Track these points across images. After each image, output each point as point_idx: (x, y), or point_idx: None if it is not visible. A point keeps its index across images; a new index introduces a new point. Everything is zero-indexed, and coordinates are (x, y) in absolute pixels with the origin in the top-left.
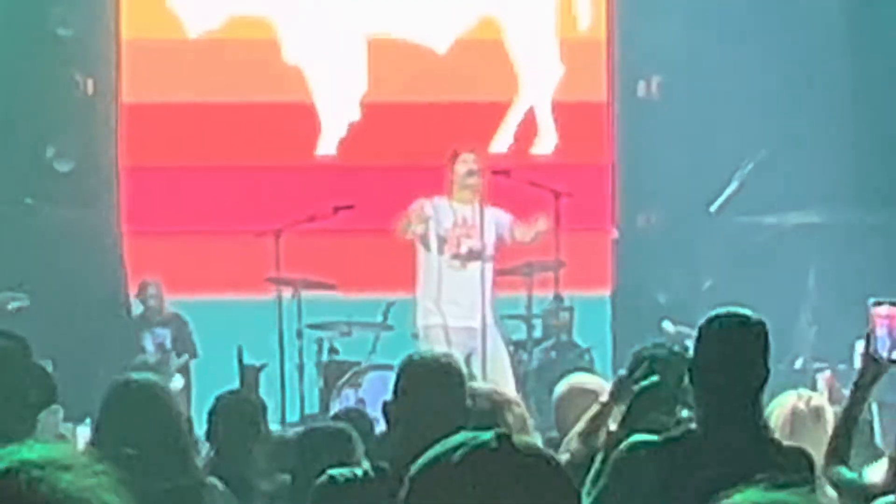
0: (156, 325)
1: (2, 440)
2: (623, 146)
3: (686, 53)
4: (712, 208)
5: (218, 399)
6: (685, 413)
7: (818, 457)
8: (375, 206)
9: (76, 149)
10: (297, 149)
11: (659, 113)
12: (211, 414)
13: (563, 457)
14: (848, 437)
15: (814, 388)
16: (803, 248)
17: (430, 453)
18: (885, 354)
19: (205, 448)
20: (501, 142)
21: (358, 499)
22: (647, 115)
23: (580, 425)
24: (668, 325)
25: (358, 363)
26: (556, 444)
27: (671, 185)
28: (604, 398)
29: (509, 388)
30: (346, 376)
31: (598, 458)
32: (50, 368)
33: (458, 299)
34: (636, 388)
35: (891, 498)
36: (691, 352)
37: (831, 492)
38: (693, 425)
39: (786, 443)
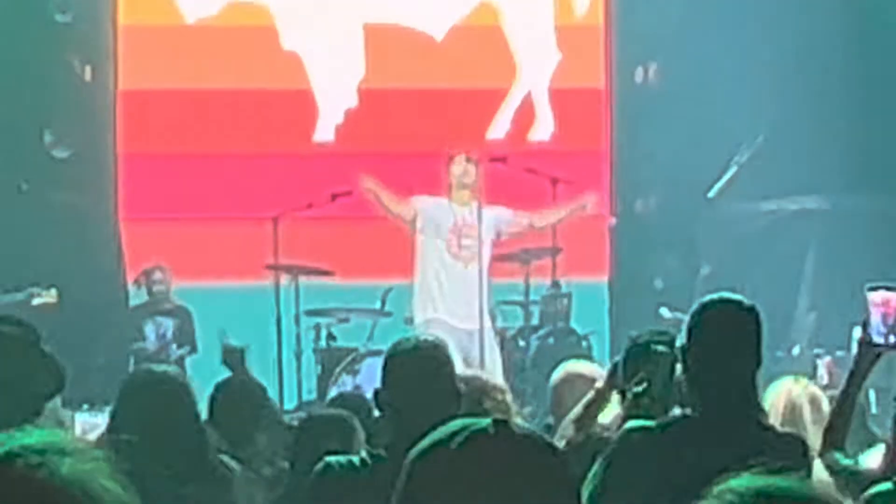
0: (160, 313)
1: (9, 428)
2: (620, 132)
3: (683, 39)
4: (710, 194)
5: (218, 385)
6: (677, 411)
7: (815, 442)
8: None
9: (74, 135)
10: (294, 135)
11: (656, 99)
12: (212, 400)
13: (559, 443)
14: (844, 423)
15: (814, 374)
16: (801, 234)
17: (428, 440)
18: (880, 340)
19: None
20: (498, 128)
21: (356, 486)
22: (644, 101)
23: (575, 412)
24: (665, 312)
25: (356, 349)
26: (552, 431)
27: (669, 172)
28: (599, 385)
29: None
30: (344, 362)
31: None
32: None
33: (457, 299)
34: (629, 395)
35: (888, 484)
36: (681, 340)
37: (827, 477)
38: (688, 411)
39: (780, 428)
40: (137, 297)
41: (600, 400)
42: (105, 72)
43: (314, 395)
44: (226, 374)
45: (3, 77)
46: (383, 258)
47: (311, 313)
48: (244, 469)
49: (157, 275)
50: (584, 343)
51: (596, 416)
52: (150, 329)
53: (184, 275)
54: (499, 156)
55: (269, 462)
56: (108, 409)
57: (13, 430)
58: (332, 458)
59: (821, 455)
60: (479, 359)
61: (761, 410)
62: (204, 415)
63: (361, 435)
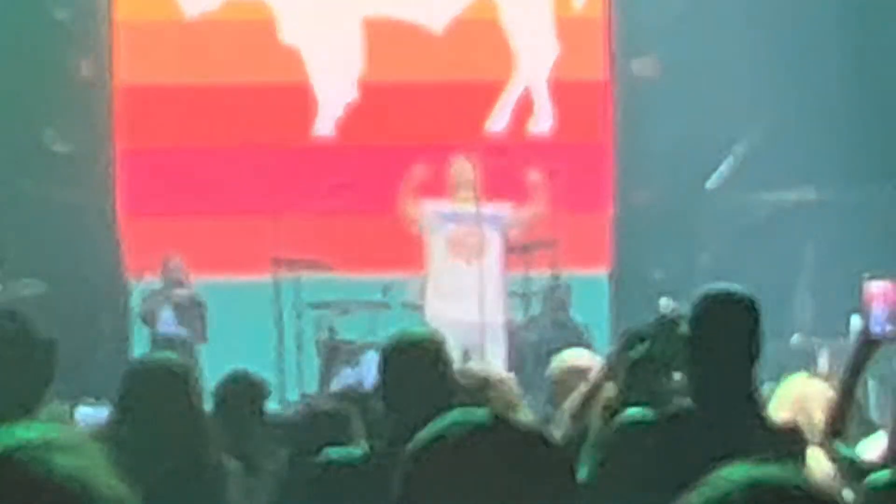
0: (175, 299)
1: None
2: (620, 124)
3: (682, 31)
4: (709, 185)
5: (221, 379)
6: (677, 377)
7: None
8: (373, 186)
9: (73, 131)
10: (294, 129)
11: (655, 91)
12: (215, 393)
13: (556, 434)
14: (844, 412)
15: (815, 363)
16: (800, 225)
17: (425, 432)
18: (879, 330)
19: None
20: (498, 121)
21: (356, 479)
22: (643, 93)
23: (571, 403)
24: (665, 303)
25: (356, 342)
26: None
27: (668, 163)
28: (594, 376)
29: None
30: (345, 355)
31: (593, 429)
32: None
33: (459, 296)
34: (631, 356)
35: (888, 472)
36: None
37: (828, 467)
38: (687, 401)
39: (778, 418)
40: (154, 284)
41: (596, 391)
42: (103, 68)
43: (315, 388)
44: (227, 365)
45: (3, 74)
46: (383, 251)
47: (312, 306)
48: (246, 464)
49: (173, 263)
50: (584, 334)
51: (592, 408)
52: (164, 314)
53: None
54: (498, 149)
55: (271, 456)
56: (108, 403)
57: (11, 425)
58: (333, 451)
59: (821, 445)
60: (481, 353)
61: (759, 400)
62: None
63: (359, 428)
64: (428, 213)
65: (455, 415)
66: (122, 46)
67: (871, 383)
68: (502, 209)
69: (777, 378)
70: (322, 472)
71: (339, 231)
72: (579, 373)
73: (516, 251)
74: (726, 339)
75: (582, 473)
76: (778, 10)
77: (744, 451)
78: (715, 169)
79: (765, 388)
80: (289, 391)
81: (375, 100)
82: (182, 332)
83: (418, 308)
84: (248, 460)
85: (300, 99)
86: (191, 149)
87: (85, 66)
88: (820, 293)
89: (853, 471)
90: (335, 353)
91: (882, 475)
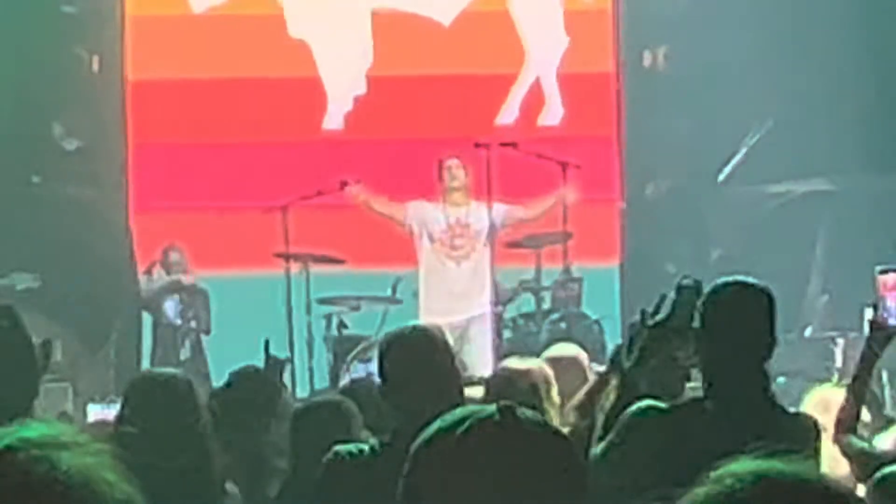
0: (178, 291)
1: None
2: (629, 117)
3: (692, 23)
4: (720, 178)
5: (232, 375)
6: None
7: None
8: (383, 179)
9: (83, 127)
10: (303, 123)
11: (665, 83)
12: (226, 388)
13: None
14: (857, 405)
15: (830, 357)
16: (812, 217)
17: (433, 427)
18: (892, 322)
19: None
20: (508, 114)
21: (365, 474)
22: (653, 85)
23: (578, 398)
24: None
25: (367, 337)
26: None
27: (678, 155)
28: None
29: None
30: (356, 351)
31: (607, 404)
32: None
33: (448, 297)
34: (650, 322)
35: None
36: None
37: (842, 460)
38: (700, 392)
39: (792, 409)
40: (158, 277)
41: (603, 385)
42: (113, 63)
43: (326, 384)
44: (237, 361)
45: (12, 70)
46: (393, 246)
47: (322, 302)
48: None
49: (173, 255)
50: (595, 327)
51: (598, 402)
52: (168, 306)
53: (195, 264)
54: (509, 141)
55: (281, 453)
56: (118, 400)
57: (13, 419)
58: (340, 447)
59: (835, 439)
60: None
61: (773, 393)
62: (216, 405)
63: (360, 420)
64: (418, 215)
65: (462, 409)
66: (131, 41)
67: (885, 377)
68: (495, 209)
69: (789, 372)
70: (330, 468)
71: (350, 225)
72: (568, 364)
73: (528, 245)
74: (739, 331)
75: (594, 455)
76: (787, 0)
77: (757, 442)
78: (726, 160)
79: (778, 383)
80: (299, 388)
81: (385, 93)
82: (185, 322)
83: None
84: (262, 458)
85: (309, 93)
86: (200, 143)
87: (94, 61)
88: (832, 285)
89: (867, 464)
90: (346, 349)
91: (894, 467)
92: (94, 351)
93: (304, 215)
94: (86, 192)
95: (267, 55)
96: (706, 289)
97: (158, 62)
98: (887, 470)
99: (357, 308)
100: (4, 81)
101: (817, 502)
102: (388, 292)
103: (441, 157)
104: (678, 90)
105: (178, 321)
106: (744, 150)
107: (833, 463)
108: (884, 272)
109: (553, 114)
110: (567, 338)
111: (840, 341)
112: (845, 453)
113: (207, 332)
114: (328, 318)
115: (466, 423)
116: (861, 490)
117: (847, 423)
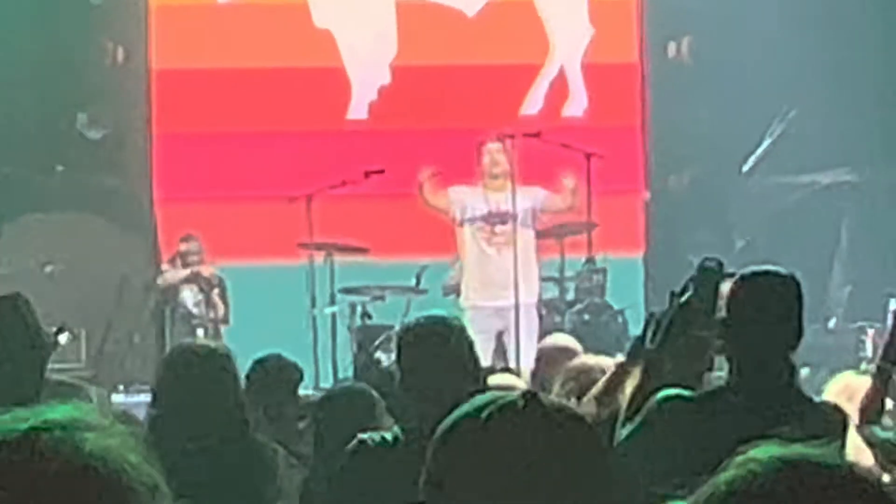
0: (196, 281)
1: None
2: (654, 107)
3: (716, 13)
4: (744, 168)
5: (256, 362)
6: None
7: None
8: (407, 169)
9: (107, 116)
10: (327, 113)
11: (690, 73)
12: (248, 377)
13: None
14: (881, 395)
15: (852, 347)
16: (836, 208)
17: (457, 413)
18: None
19: None
20: (532, 104)
21: (389, 462)
22: (677, 75)
23: (598, 387)
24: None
25: (391, 327)
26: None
27: (703, 146)
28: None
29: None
30: (379, 340)
31: (633, 385)
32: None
33: (492, 284)
34: (677, 302)
35: None
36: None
37: (867, 449)
38: (724, 382)
39: (817, 398)
40: (179, 266)
41: (623, 375)
42: (138, 53)
43: (350, 374)
44: (259, 350)
45: (37, 60)
46: (418, 235)
47: (346, 291)
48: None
49: (189, 245)
50: (619, 318)
51: (617, 392)
52: (186, 296)
53: (218, 254)
54: (533, 131)
55: (303, 440)
56: (143, 390)
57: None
58: (364, 436)
59: (858, 429)
60: (515, 339)
61: (799, 381)
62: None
63: (382, 406)
64: (458, 200)
65: (486, 396)
66: (155, 31)
67: None
68: (535, 195)
69: (813, 362)
70: (355, 456)
71: (374, 215)
72: (562, 354)
73: (552, 235)
74: (766, 320)
75: (619, 440)
76: None
77: (782, 430)
78: (750, 151)
79: (802, 373)
80: (323, 377)
81: (409, 83)
82: (205, 312)
83: (453, 291)
84: (284, 444)
85: (334, 83)
86: (225, 133)
87: (119, 52)
88: (856, 276)
89: (890, 453)
90: (370, 338)
91: None
92: (117, 340)
93: (328, 205)
94: (110, 181)
95: (291, 45)
96: (734, 278)
97: (182, 52)
98: None
99: (381, 298)
100: (30, 72)
101: (840, 488)
102: (413, 282)
103: (481, 140)
104: (702, 81)
105: (196, 311)
106: (768, 141)
107: (857, 452)
108: None
109: (577, 104)
110: (618, 330)
111: (870, 331)
112: (869, 442)
113: (226, 323)
114: (352, 307)
115: (489, 410)
116: (886, 478)
117: (871, 413)
